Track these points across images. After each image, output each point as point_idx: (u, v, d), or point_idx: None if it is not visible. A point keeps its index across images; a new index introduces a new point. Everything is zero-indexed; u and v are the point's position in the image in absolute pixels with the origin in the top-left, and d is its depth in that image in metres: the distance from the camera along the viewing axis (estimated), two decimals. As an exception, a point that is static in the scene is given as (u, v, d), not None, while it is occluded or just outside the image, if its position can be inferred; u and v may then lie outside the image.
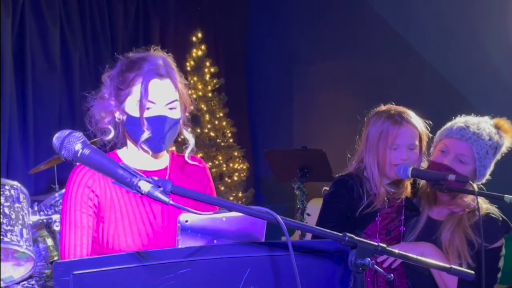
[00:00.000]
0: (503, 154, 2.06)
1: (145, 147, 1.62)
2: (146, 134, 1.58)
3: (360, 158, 2.09)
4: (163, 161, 1.74)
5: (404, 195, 2.09)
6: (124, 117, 1.62)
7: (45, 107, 4.40)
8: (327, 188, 2.14)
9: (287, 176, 4.56)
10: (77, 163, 1.23)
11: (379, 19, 5.13)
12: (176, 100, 1.62)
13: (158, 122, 1.58)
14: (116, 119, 1.65)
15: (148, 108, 1.57)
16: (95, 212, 1.62)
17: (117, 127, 1.68)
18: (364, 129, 2.10)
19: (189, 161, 1.76)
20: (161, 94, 1.59)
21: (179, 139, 1.83)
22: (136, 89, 1.58)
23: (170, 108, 1.61)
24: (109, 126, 1.66)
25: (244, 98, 6.27)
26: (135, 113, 1.58)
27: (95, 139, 1.67)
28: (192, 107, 1.72)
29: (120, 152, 1.71)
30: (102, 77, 1.69)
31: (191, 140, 1.73)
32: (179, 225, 1.28)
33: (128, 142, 1.69)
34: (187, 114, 1.71)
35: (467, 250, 1.99)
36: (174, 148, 1.78)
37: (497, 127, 2.04)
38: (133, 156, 1.68)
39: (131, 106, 1.59)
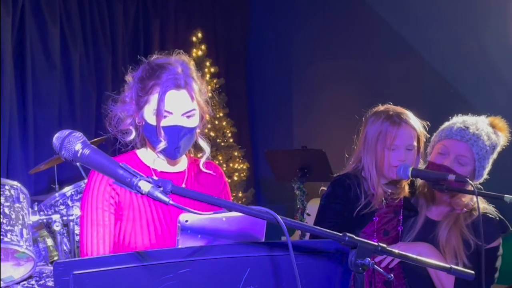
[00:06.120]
0: (498, 153, 2.06)
1: (161, 156, 1.66)
2: (162, 145, 1.61)
3: (358, 158, 2.09)
4: (182, 164, 1.77)
5: (402, 195, 2.10)
6: (142, 123, 1.65)
7: (45, 107, 4.39)
8: (325, 188, 2.14)
9: (287, 176, 4.57)
10: (77, 163, 1.23)
11: (379, 19, 5.13)
12: (193, 109, 1.64)
13: (173, 132, 1.60)
14: (136, 122, 1.68)
15: (165, 117, 1.60)
16: (116, 209, 1.64)
17: (138, 129, 1.70)
18: (362, 129, 2.10)
19: (204, 170, 1.78)
20: (178, 105, 1.61)
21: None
22: (154, 98, 1.60)
23: (188, 117, 1.63)
24: (131, 127, 1.69)
25: (244, 98, 6.27)
26: (152, 121, 1.61)
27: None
28: (208, 115, 1.72)
29: (140, 152, 1.74)
30: (126, 77, 1.71)
31: (207, 149, 1.75)
32: (179, 225, 1.28)
33: (147, 144, 1.72)
34: (204, 121, 1.71)
35: (463, 250, 1.99)
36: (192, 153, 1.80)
37: (492, 126, 2.04)
38: (152, 157, 1.71)
39: (149, 114, 1.62)
